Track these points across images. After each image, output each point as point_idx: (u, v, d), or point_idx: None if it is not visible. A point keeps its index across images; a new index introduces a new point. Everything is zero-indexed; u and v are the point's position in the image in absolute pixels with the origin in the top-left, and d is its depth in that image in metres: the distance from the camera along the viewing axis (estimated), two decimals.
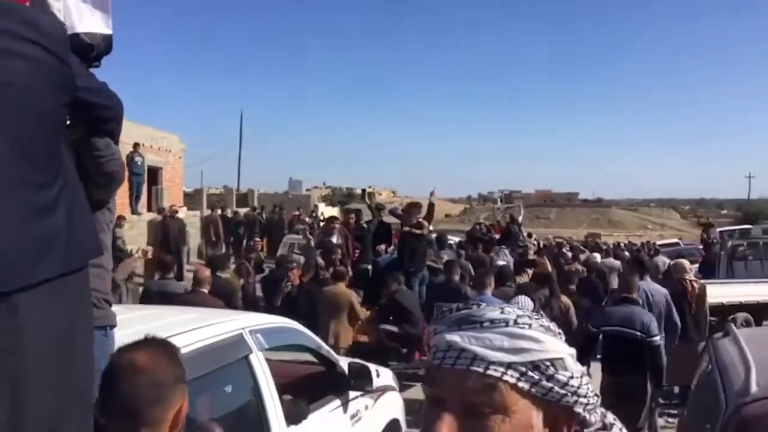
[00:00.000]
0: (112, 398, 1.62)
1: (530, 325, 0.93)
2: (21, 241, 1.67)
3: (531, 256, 11.99)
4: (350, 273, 9.12)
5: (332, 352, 4.15)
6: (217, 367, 2.88)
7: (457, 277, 7.70)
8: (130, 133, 16.52)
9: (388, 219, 12.04)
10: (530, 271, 9.20)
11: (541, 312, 1.09)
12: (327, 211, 31.41)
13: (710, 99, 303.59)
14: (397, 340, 8.02)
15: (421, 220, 9.17)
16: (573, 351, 0.96)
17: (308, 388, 3.82)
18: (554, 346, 0.93)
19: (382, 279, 9.12)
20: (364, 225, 10.99)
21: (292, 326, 3.72)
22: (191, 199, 26.47)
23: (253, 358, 3.11)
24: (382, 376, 4.69)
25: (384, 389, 4.64)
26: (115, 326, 2.26)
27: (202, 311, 3.73)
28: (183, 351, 2.73)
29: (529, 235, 17.65)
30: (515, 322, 0.92)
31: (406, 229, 8.85)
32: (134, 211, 17.28)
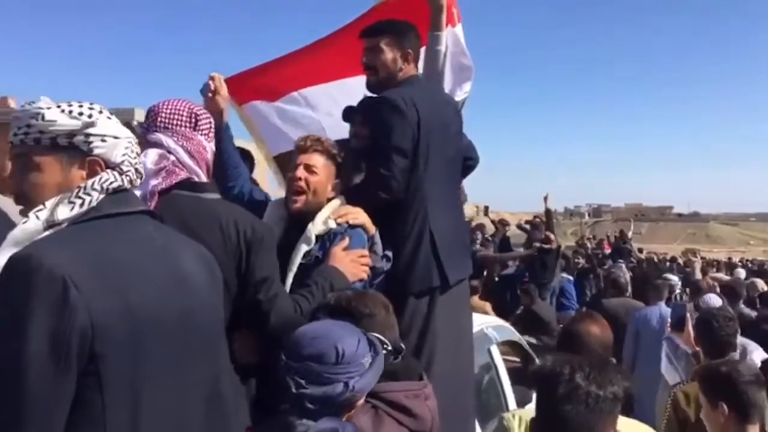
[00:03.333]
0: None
1: None
2: (464, 247, 2.63)
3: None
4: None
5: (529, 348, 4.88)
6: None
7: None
8: None
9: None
10: None
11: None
12: None
13: None
14: (534, 351, 8.58)
15: (548, 234, 9.74)
16: None
17: (517, 377, 4.55)
18: None
19: (507, 292, 9.74)
20: (488, 239, 11.66)
21: (507, 325, 4.48)
22: None
23: (492, 349, 3.88)
24: None
25: None
26: None
27: None
28: None
29: (640, 250, 17.78)
30: None
31: (537, 245, 9.42)
32: None
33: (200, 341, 1.49)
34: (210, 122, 2.04)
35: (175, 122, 1.95)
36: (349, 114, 2.97)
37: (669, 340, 5.17)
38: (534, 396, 4.62)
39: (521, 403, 4.04)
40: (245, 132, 3.65)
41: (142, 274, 1.40)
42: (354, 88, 3.13)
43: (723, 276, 12.61)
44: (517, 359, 4.85)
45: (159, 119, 1.95)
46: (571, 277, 10.46)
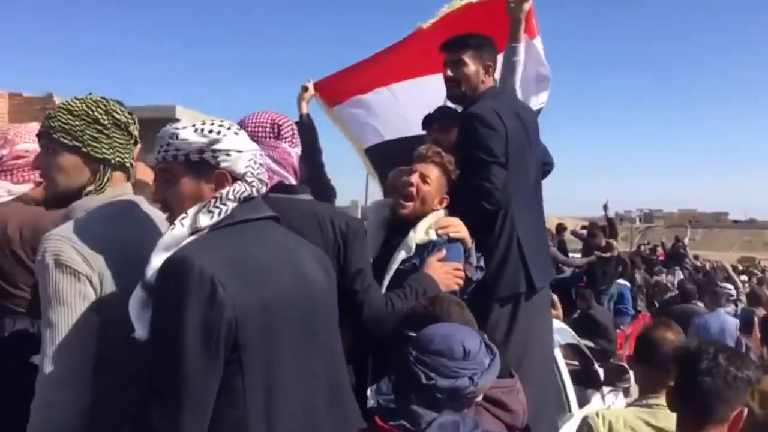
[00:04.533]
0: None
1: None
2: (546, 253, 2.80)
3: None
4: None
5: (587, 352, 4.95)
6: None
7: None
8: None
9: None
10: None
11: None
12: None
13: None
14: (591, 354, 8.58)
15: (609, 241, 9.68)
16: None
17: (577, 379, 4.63)
18: None
19: (563, 295, 9.73)
20: None
21: (568, 328, 4.57)
22: None
23: (557, 351, 3.97)
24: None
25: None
26: None
27: None
28: None
29: (696, 257, 17.40)
30: None
31: (598, 253, 9.41)
32: None
33: (321, 333, 1.67)
34: (292, 128, 2.20)
35: (259, 134, 2.12)
36: (427, 122, 3.11)
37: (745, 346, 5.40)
38: (593, 398, 4.73)
39: (582, 404, 4.13)
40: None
41: (272, 273, 1.59)
42: (436, 86, 3.25)
43: None
44: (576, 363, 4.92)
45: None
46: (628, 284, 10.39)
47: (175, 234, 1.57)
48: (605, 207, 11.12)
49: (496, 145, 2.63)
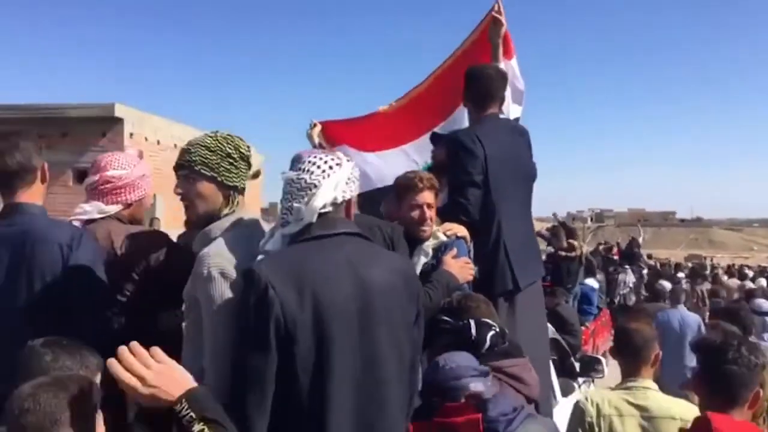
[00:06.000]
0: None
1: None
2: (534, 255, 3.12)
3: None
4: None
5: (565, 345, 5.36)
6: None
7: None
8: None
9: None
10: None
11: None
12: None
13: None
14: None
15: (571, 241, 10.19)
16: None
17: (556, 370, 5.02)
18: None
19: None
20: None
21: (549, 324, 4.97)
22: (267, 215, 25.94)
23: None
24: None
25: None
26: None
27: None
28: None
29: (649, 257, 18.20)
30: None
31: (562, 253, 9.92)
32: None
33: (379, 334, 1.92)
34: None
35: None
36: (433, 138, 3.68)
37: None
38: (576, 386, 5.13)
39: (564, 393, 4.52)
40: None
41: (328, 281, 1.88)
42: (424, 145, 3.90)
43: (736, 281, 13.08)
44: (554, 356, 5.33)
45: None
46: (595, 285, 10.91)
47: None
48: (555, 215, 12.20)
49: (473, 167, 3.03)
